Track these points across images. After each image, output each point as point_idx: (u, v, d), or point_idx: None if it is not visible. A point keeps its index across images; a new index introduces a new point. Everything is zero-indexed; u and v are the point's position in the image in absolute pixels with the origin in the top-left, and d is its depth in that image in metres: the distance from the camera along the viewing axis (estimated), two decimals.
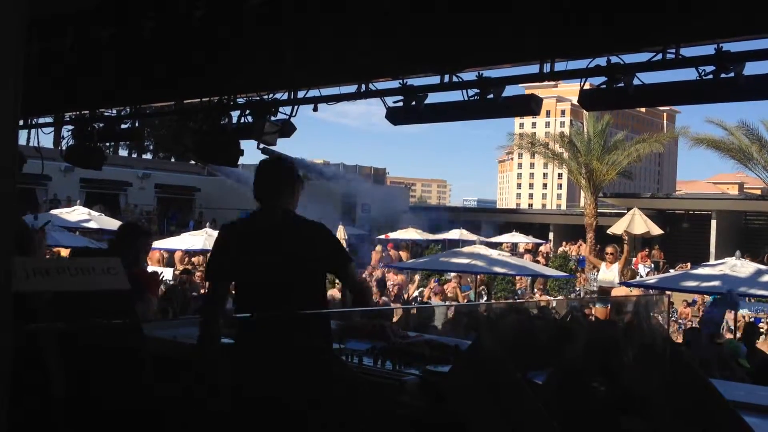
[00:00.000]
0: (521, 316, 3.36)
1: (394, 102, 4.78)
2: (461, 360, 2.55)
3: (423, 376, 2.88)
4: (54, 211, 17.80)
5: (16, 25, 1.24)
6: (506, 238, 27.63)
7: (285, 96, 5.43)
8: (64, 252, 12.36)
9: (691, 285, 10.84)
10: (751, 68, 3.57)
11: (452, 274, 13.97)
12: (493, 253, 13.31)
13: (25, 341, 2.21)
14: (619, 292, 9.71)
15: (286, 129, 5.53)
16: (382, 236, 25.71)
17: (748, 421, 2.19)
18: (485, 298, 14.82)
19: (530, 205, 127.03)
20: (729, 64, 3.56)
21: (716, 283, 9.84)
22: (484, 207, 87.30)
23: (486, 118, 4.73)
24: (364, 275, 15.27)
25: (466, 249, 13.29)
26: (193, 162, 32.84)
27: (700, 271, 11.09)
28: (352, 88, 5.03)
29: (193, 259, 16.81)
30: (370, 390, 2.80)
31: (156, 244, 15.33)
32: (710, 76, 3.62)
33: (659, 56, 3.78)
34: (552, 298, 15.86)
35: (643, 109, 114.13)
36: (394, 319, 5.62)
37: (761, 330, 11.51)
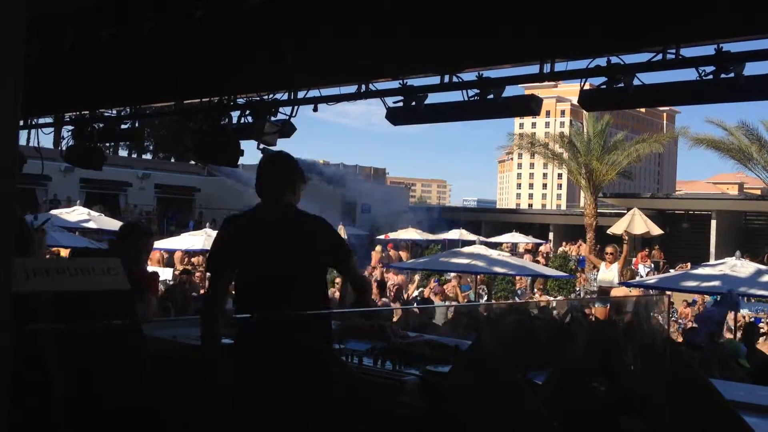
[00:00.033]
0: (521, 316, 3.37)
1: (394, 102, 4.78)
2: (461, 360, 2.55)
3: (423, 377, 2.89)
4: (54, 212, 17.79)
5: (16, 25, 1.24)
6: (506, 238, 27.66)
7: (285, 96, 5.43)
8: (64, 252, 12.37)
9: (691, 285, 10.85)
10: (751, 68, 3.57)
11: (452, 274, 13.97)
12: (493, 253, 13.32)
13: (25, 341, 2.21)
14: (618, 292, 9.71)
15: (286, 129, 5.53)
16: (382, 236, 25.73)
17: (748, 421, 2.20)
18: (485, 298, 14.83)
19: (530, 205, 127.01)
20: (729, 64, 3.56)
21: (716, 283, 9.85)
22: (484, 207, 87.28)
23: (486, 118, 4.73)
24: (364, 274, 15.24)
25: (466, 249, 13.29)
26: (193, 162, 32.86)
27: (700, 271, 11.10)
28: (352, 88, 5.03)
29: (192, 259, 16.82)
30: (370, 390, 2.80)
31: (156, 244, 15.29)
32: (710, 77, 3.62)
33: (659, 56, 3.78)
34: (552, 298, 15.85)
35: (643, 109, 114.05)
36: (394, 319, 5.62)
37: (761, 330, 11.50)
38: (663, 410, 2.25)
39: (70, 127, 7.24)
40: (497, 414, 2.11)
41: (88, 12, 5.47)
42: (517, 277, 16.73)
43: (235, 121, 5.68)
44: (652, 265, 23.54)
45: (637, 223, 17.38)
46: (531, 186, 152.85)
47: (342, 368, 2.92)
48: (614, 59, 3.88)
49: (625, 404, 2.31)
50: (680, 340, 8.80)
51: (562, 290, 18.30)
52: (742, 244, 19.95)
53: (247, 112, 5.56)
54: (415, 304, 11.69)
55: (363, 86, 4.93)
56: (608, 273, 10.44)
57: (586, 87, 4.17)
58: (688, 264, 21.87)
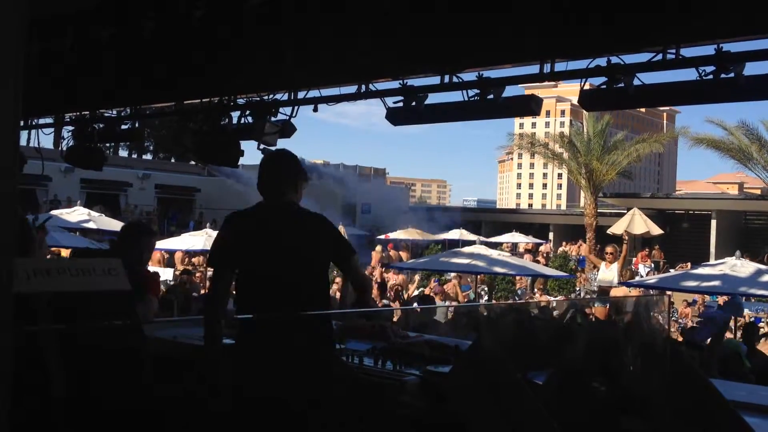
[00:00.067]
0: (521, 316, 3.37)
1: (394, 102, 4.78)
2: (461, 360, 2.55)
3: (423, 377, 2.89)
4: (54, 212, 17.76)
5: (16, 25, 1.24)
6: (506, 238, 27.66)
7: (285, 96, 5.43)
8: (65, 252, 12.37)
9: (691, 285, 10.83)
10: (751, 68, 3.58)
11: (452, 274, 13.97)
12: (493, 253, 13.30)
13: (25, 341, 2.21)
14: (618, 292, 9.71)
15: (286, 129, 5.53)
16: (382, 236, 25.73)
17: (748, 421, 2.20)
18: (485, 298, 14.83)
19: (530, 205, 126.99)
20: (729, 64, 3.56)
21: (716, 283, 9.84)
22: (484, 207, 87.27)
23: (486, 118, 4.74)
24: None
25: (466, 249, 13.28)
26: (193, 162, 32.87)
27: (700, 271, 11.08)
28: (352, 89, 5.04)
29: (193, 259, 16.82)
30: (371, 390, 2.80)
31: (156, 244, 15.31)
32: (710, 77, 3.62)
33: (659, 56, 3.78)
34: (552, 298, 15.85)
35: (643, 109, 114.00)
36: (394, 319, 5.62)
37: (761, 330, 11.50)
38: (663, 410, 2.25)
39: (71, 128, 7.25)
40: (497, 414, 2.11)
41: (88, 12, 5.47)
42: (517, 277, 16.73)
43: (235, 121, 5.68)
44: (652, 265, 23.53)
45: (637, 222, 17.38)
46: (531, 186, 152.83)
47: (342, 368, 2.93)
48: (614, 59, 3.89)
49: (625, 404, 2.32)
50: (680, 339, 8.80)
51: (562, 290, 18.30)
52: (742, 243, 19.97)
53: (247, 112, 5.57)
54: (415, 303, 11.68)
55: (363, 86, 4.93)
56: (608, 273, 10.45)
57: (586, 87, 4.17)
58: (688, 264, 21.86)
